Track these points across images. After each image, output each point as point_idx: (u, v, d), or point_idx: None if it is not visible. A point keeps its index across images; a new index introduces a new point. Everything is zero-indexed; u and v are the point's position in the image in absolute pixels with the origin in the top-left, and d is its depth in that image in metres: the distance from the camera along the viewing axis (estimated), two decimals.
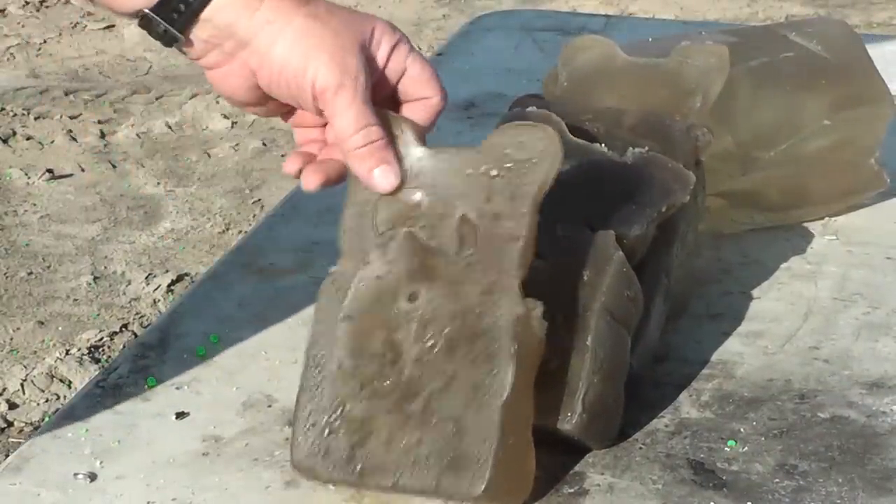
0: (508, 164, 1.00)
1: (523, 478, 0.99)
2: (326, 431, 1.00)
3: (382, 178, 1.01)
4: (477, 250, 0.99)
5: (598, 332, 1.03)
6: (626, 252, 1.06)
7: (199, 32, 1.01)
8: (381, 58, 1.02)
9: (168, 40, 1.01)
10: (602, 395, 1.03)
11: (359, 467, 0.98)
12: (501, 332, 0.97)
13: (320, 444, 1.00)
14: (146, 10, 1.00)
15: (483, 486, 0.96)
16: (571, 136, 1.13)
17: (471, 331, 0.98)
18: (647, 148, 1.13)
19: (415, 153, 1.02)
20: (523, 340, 0.97)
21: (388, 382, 0.99)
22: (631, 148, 1.13)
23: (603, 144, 1.13)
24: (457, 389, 0.98)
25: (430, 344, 0.99)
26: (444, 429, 0.97)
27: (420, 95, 1.04)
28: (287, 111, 1.06)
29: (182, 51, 1.02)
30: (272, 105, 1.05)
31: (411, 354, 0.99)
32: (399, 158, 1.01)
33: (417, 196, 1.02)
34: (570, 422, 1.01)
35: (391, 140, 1.01)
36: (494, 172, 1.00)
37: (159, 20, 1.00)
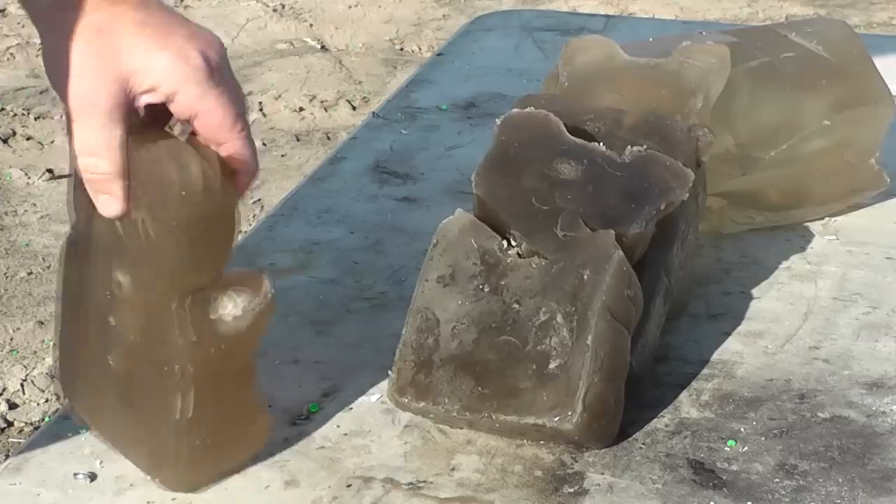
0: None
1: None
2: None
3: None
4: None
5: (599, 331, 1.03)
6: (625, 250, 1.06)
7: None
8: None
9: None
10: (602, 395, 1.03)
11: None
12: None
13: None
14: None
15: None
16: (570, 136, 1.13)
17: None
18: (645, 146, 1.13)
19: None
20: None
21: None
22: (629, 147, 1.13)
23: (602, 144, 1.13)
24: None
25: None
26: None
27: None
28: None
29: None
30: None
31: None
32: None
33: None
34: (570, 421, 1.01)
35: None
36: None
37: None
